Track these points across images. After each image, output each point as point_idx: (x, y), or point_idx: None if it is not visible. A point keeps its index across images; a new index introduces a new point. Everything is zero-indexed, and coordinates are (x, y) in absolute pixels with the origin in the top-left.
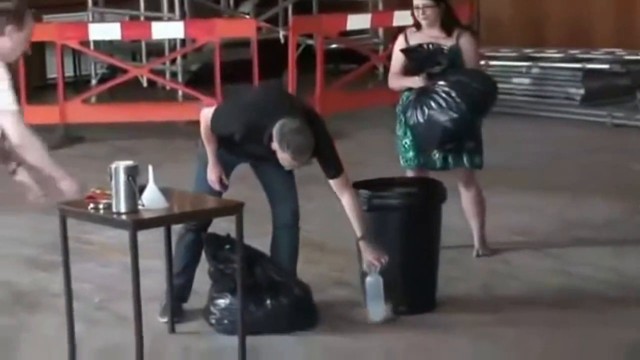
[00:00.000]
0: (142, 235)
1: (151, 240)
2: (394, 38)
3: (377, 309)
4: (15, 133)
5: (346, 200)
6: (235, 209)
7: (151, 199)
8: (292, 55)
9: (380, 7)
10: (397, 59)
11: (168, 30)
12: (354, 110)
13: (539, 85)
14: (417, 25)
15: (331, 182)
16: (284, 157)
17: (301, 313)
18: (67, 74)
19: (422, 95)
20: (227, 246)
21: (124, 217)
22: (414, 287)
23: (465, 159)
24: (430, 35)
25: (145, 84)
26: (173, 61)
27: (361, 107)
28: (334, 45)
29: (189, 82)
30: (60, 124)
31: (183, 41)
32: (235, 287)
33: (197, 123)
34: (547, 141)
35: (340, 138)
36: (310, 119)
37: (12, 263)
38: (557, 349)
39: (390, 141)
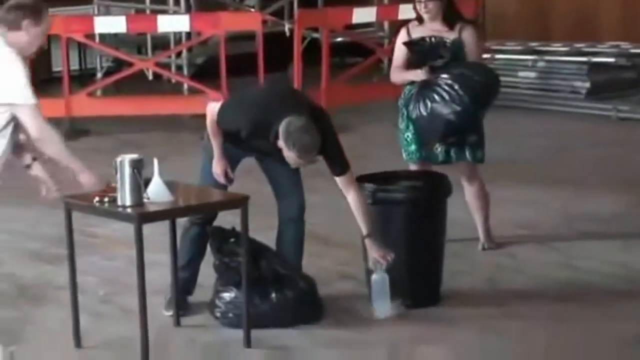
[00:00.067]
0: (147, 229)
1: (156, 233)
2: (397, 32)
3: (383, 307)
4: (34, 127)
5: (352, 197)
6: (240, 202)
7: (156, 192)
8: (297, 49)
9: (386, 0)
10: (399, 52)
11: (173, 23)
12: (359, 104)
13: (545, 78)
14: (420, 19)
15: (337, 179)
16: (289, 156)
17: (306, 306)
18: (72, 67)
19: (425, 89)
20: (232, 239)
21: (129, 210)
22: (419, 281)
23: (467, 153)
24: (432, 28)
25: (150, 77)
26: (178, 54)
27: (366, 100)
28: (339, 39)
29: (194, 75)
30: (65, 117)
31: (188, 34)
32: (240, 281)
33: (202, 116)
34: (553, 135)
35: (345, 131)
36: (316, 116)
37: (17, 256)
38: (562, 343)
39: (395, 135)
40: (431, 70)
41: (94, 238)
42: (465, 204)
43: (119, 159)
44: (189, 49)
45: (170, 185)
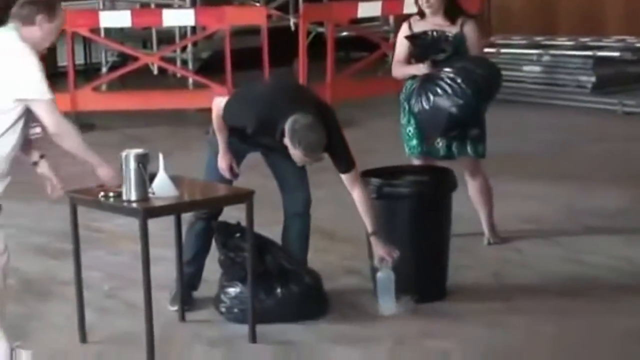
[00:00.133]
0: (152, 224)
1: (161, 228)
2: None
3: (388, 304)
4: (51, 121)
5: (357, 195)
6: (245, 197)
7: (161, 187)
8: (302, 43)
9: None
10: (401, 47)
11: (179, 17)
12: (364, 98)
13: (550, 73)
14: (421, 14)
15: (342, 176)
16: (295, 154)
17: (312, 301)
18: (77, 62)
19: (427, 82)
20: (238, 234)
21: (134, 205)
22: (424, 276)
23: (469, 148)
24: (434, 23)
25: (155, 72)
26: (184, 49)
27: (371, 95)
28: (344, 33)
29: (199, 70)
30: (70, 111)
31: (193, 29)
32: (246, 276)
33: (207, 110)
34: (558, 129)
35: (350, 126)
36: (321, 113)
37: (22, 251)
38: (568, 337)
39: (400, 129)
40: (433, 64)
41: (99, 233)
42: (469, 198)
43: (124, 154)
44: (194, 44)
45: (176, 180)
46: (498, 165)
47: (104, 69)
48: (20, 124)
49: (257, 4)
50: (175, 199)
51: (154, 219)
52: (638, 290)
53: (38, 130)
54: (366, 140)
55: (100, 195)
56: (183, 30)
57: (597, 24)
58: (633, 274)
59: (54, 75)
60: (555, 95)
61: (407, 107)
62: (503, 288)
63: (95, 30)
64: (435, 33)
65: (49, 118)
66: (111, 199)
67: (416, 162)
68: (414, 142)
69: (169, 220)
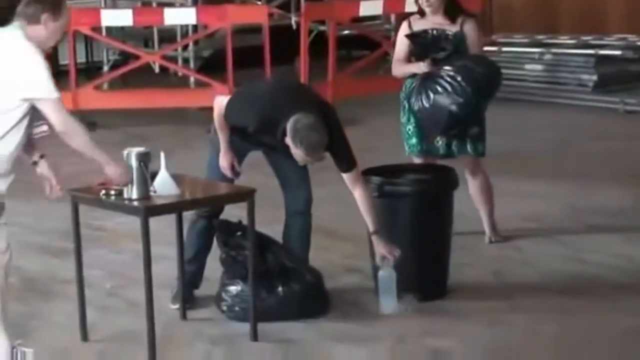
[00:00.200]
0: (153, 222)
1: (163, 226)
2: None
3: (389, 303)
4: (58, 120)
5: (358, 194)
6: (247, 196)
7: (163, 185)
8: (304, 42)
9: None
10: (401, 45)
11: (180, 16)
12: (365, 97)
13: (552, 71)
14: (421, 13)
15: (343, 175)
16: (297, 153)
17: (313, 300)
18: (79, 61)
19: (427, 80)
20: (239, 233)
21: (135, 203)
22: (426, 274)
23: (468, 146)
24: (434, 22)
25: (157, 70)
26: (185, 47)
27: (373, 93)
28: (346, 32)
29: (200, 69)
30: (72, 110)
31: (195, 27)
32: (247, 274)
33: (209, 109)
34: (559, 127)
35: (352, 124)
36: (323, 112)
37: (24, 250)
38: (568, 336)
39: (400, 128)
40: (433, 62)
41: (100, 231)
42: (470, 197)
43: (125, 152)
44: (196, 42)
45: (177, 179)
46: (499, 163)
47: (105, 68)
48: (25, 123)
49: (259, 3)
50: (177, 198)
51: (156, 217)
52: (639, 289)
53: (44, 128)
54: (367, 139)
55: (101, 194)
56: (184, 29)
57: (598, 22)
58: (634, 273)
59: (56, 74)
60: (556, 93)
61: (406, 106)
62: (504, 286)
63: (97, 28)
64: (435, 31)
65: (56, 117)
66: (112, 198)
67: (416, 160)
68: (414, 140)
69: (170, 219)
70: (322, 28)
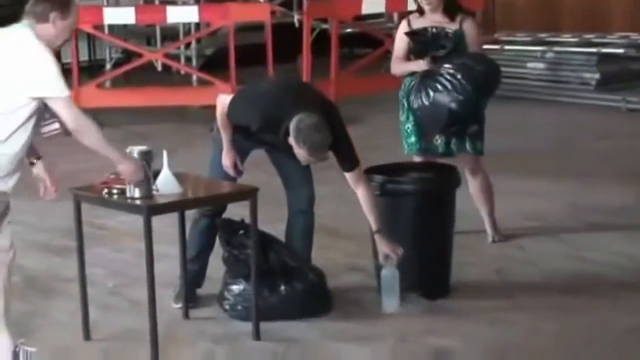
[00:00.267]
0: (156, 221)
1: (165, 225)
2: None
3: (392, 302)
4: (70, 118)
5: (361, 193)
6: (249, 194)
7: (165, 184)
8: (306, 40)
9: None
10: (400, 44)
11: (182, 14)
12: (368, 95)
13: (554, 70)
14: (421, 11)
15: (346, 174)
16: (300, 153)
17: (315, 299)
18: (81, 59)
19: (427, 78)
20: (242, 232)
21: (138, 202)
22: (428, 273)
23: (467, 145)
24: (433, 20)
25: (159, 69)
26: (187, 45)
27: (375, 91)
28: (348, 30)
29: (203, 67)
30: None
31: (197, 25)
32: (249, 273)
33: (211, 107)
34: (562, 126)
35: (354, 122)
36: (326, 111)
37: (26, 248)
38: (570, 334)
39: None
40: (433, 60)
41: (102, 230)
42: (471, 195)
43: (127, 151)
44: (198, 40)
45: (179, 177)
46: (501, 162)
47: (108, 66)
48: (32, 122)
49: (261, 0)
50: (179, 196)
51: (158, 216)
52: None
53: (56, 126)
54: (370, 137)
55: (104, 192)
56: (187, 27)
57: (601, 20)
58: (635, 271)
59: None
60: (559, 92)
61: (405, 104)
62: (506, 285)
63: (100, 26)
64: (434, 29)
65: (68, 114)
66: (115, 196)
67: (415, 159)
68: (413, 139)
69: (172, 218)
70: (324, 26)
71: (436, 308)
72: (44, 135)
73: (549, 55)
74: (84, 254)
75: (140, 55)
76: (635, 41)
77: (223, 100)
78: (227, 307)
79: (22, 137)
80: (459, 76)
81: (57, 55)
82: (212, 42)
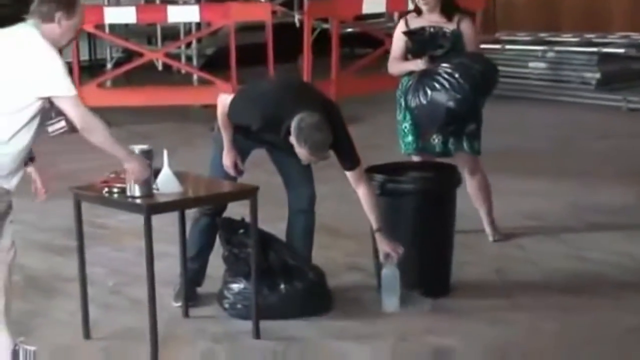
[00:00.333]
0: (156, 220)
1: (165, 224)
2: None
3: (392, 301)
4: (77, 117)
5: (362, 192)
6: (249, 193)
7: (166, 183)
8: (307, 39)
9: None
10: (398, 44)
11: (183, 13)
12: (369, 94)
13: (555, 69)
14: (418, 11)
15: (347, 173)
16: (301, 152)
17: (315, 298)
18: (82, 58)
19: (425, 77)
20: (242, 230)
21: (138, 201)
22: (428, 272)
23: (465, 144)
24: (430, 20)
25: (160, 68)
26: (188, 45)
27: (376, 91)
28: (349, 29)
29: (204, 66)
30: None
31: (198, 25)
32: (249, 272)
33: (212, 106)
34: (562, 126)
35: (355, 122)
36: (327, 111)
37: (27, 248)
38: (570, 334)
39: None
40: (431, 59)
41: (103, 229)
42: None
43: None
44: (199, 40)
45: (180, 176)
46: (502, 161)
47: (108, 65)
48: (36, 122)
49: (262, 0)
50: (180, 195)
51: (158, 215)
52: None
53: (62, 124)
54: (370, 136)
55: (104, 192)
56: (188, 27)
57: (601, 20)
58: (636, 271)
59: None
60: (559, 91)
61: (403, 104)
62: (506, 285)
63: (100, 26)
64: (432, 29)
65: (75, 113)
66: (115, 195)
67: (414, 159)
68: (410, 138)
69: (173, 216)
70: (325, 26)
71: (436, 307)
72: (50, 134)
73: (550, 54)
74: (84, 253)
75: (141, 55)
76: (635, 41)
77: (224, 100)
78: (227, 305)
79: (25, 137)
80: (456, 75)
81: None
82: (212, 41)
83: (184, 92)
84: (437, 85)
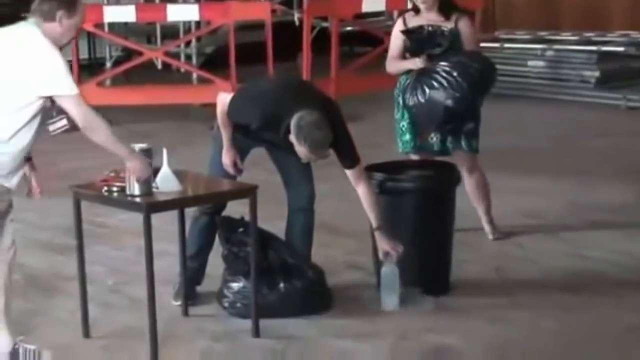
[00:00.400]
0: (155, 218)
1: (165, 223)
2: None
3: (391, 299)
4: (79, 115)
5: (362, 190)
6: (249, 192)
7: (165, 181)
8: (306, 38)
9: None
10: (396, 42)
11: (183, 12)
12: (368, 93)
13: (554, 68)
14: (416, 10)
15: (347, 172)
16: (301, 150)
17: (315, 296)
18: (81, 57)
19: (423, 76)
20: (241, 229)
21: (137, 199)
22: (428, 270)
23: (463, 142)
24: (428, 19)
25: (159, 67)
26: (188, 43)
27: (376, 89)
28: (348, 28)
29: (203, 65)
30: None
31: (198, 23)
32: (249, 270)
33: (211, 105)
34: (561, 124)
35: (354, 120)
36: (327, 109)
37: (27, 246)
38: (570, 332)
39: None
40: (429, 58)
41: (102, 228)
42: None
43: None
44: (198, 38)
45: (179, 175)
46: (502, 160)
47: (108, 64)
48: (37, 121)
49: None
50: (179, 194)
51: (158, 213)
52: None
53: (63, 123)
54: (370, 135)
55: (103, 190)
56: (187, 25)
57: (601, 18)
58: (635, 269)
59: None
60: (559, 90)
61: (401, 102)
62: (505, 283)
63: (100, 25)
64: (430, 28)
65: (77, 112)
66: (114, 194)
67: (413, 157)
68: (407, 136)
69: (172, 215)
70: (324, 24)
71: (436, 305)
72: (51, 133)
73: (549, 53)
74: (84, 252)
75: (140, 54)
76: (635, 39)
77: (223, 99)
78: (226, 304)
79: (26, 136)
80: (455, 73)
81: None
82: (212, 40)
83: (184, 90)
84: (435, 84)
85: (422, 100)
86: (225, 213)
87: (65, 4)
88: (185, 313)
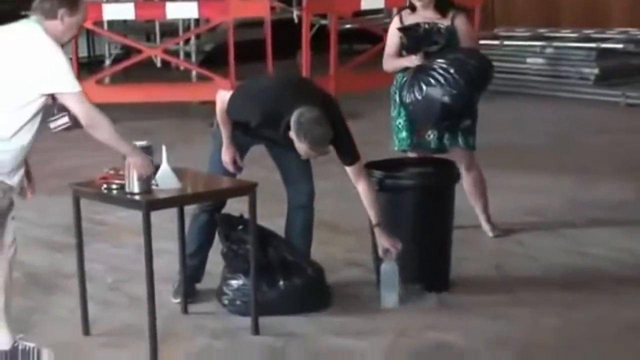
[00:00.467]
0: (155, 216)
1: (164, 220)
2: None
3: (391, 296)
4: (82, 113)
5: (361, 187)
6: (248, 189)
7: (164, 179)
8: (305, 35)
9: None
10: (392, 40)
11: (182, 10)
12: (367, 90)
13: (553, 65)
14: (412, 7)
15: (347, 169)
16: (301, 147)
17: (314, 294)
18: (80, 55)
19: (420, 73)
20: (241, 227)
21: (137, 197)
22: (428, 267)
23: (460, 139)
24: (425, 16)
25: (159, 65)
26: (187, 41)
27: (375, 87)
28: (347, 25)
29: (202, 63)
30: None
31: (197, 21)
32: (248, 268)
33: (210, 102)
34: (561, 121)
35: (353, 118)
36: (326, 106)
37: (26, 244)
38: (570, 329)
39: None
40: (426, 55)
41: (102, 226)
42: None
43: None
44: (197, 36)
45: (179, 173)
46: (501, 157)
47: (107, 62)
48: (38, 119)
49: None
50: (178, 192)
51: (157, 211)
52: None
53: (65, 120)
54: (369, 133)
55: (103, 188)
56: (186, 23)
57: (600, 15)
58: (635, 266)
59: None
60: (558, 87)
61: (397, 100)
62: (505, 280)
63: (99, 22)
64: (427, 25)
65: (80, 109)
66: (114, 192)
67: (409, 155)
68: (404, 134)
69: (172, 213)
70: (323, 22)
71: (435, 302)
72: (52, 130)
73: (549, 50)
74: (83, 250)
75: (139, 51)
76: (634, 36)
77: (223, 97)
78: (226, 302)
79: (28, 134)
80: (452, 70)
81: None
82: (211, 38)
83: (183, 88)
84: (432, 81)
85: (419, 98)
86: (224, 211)
87: (67, 2)
88: (185, 311)
